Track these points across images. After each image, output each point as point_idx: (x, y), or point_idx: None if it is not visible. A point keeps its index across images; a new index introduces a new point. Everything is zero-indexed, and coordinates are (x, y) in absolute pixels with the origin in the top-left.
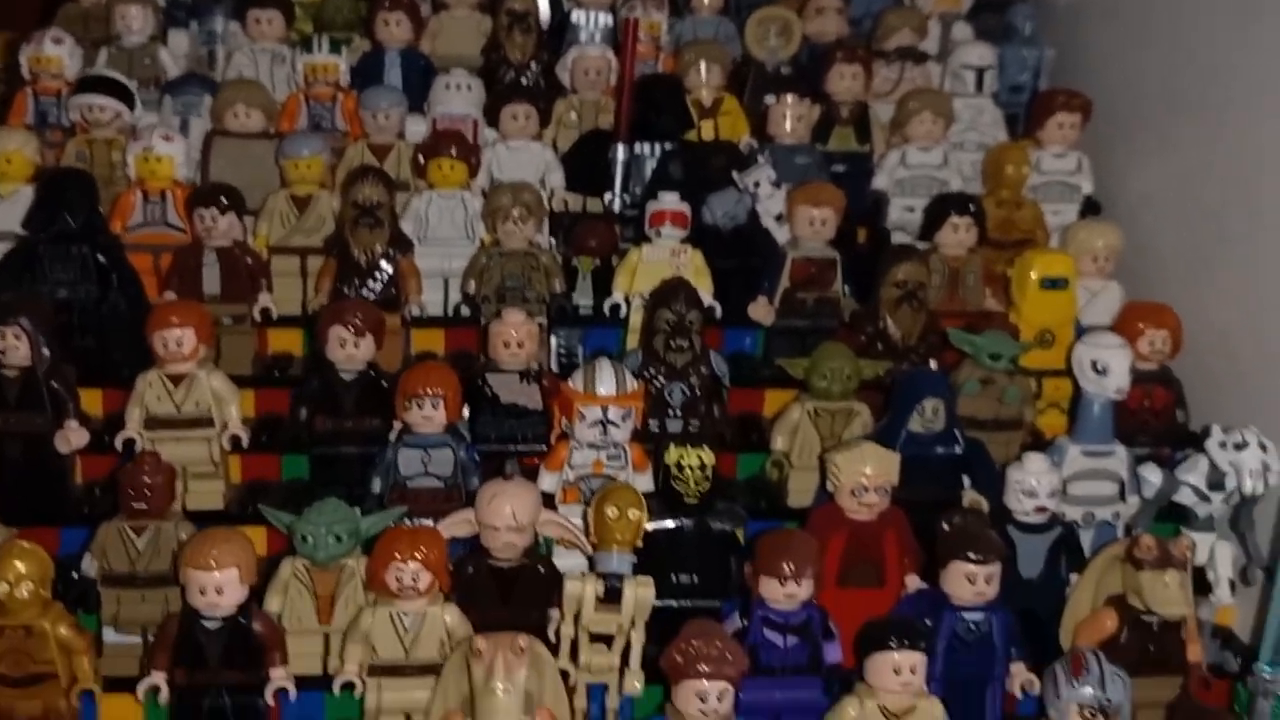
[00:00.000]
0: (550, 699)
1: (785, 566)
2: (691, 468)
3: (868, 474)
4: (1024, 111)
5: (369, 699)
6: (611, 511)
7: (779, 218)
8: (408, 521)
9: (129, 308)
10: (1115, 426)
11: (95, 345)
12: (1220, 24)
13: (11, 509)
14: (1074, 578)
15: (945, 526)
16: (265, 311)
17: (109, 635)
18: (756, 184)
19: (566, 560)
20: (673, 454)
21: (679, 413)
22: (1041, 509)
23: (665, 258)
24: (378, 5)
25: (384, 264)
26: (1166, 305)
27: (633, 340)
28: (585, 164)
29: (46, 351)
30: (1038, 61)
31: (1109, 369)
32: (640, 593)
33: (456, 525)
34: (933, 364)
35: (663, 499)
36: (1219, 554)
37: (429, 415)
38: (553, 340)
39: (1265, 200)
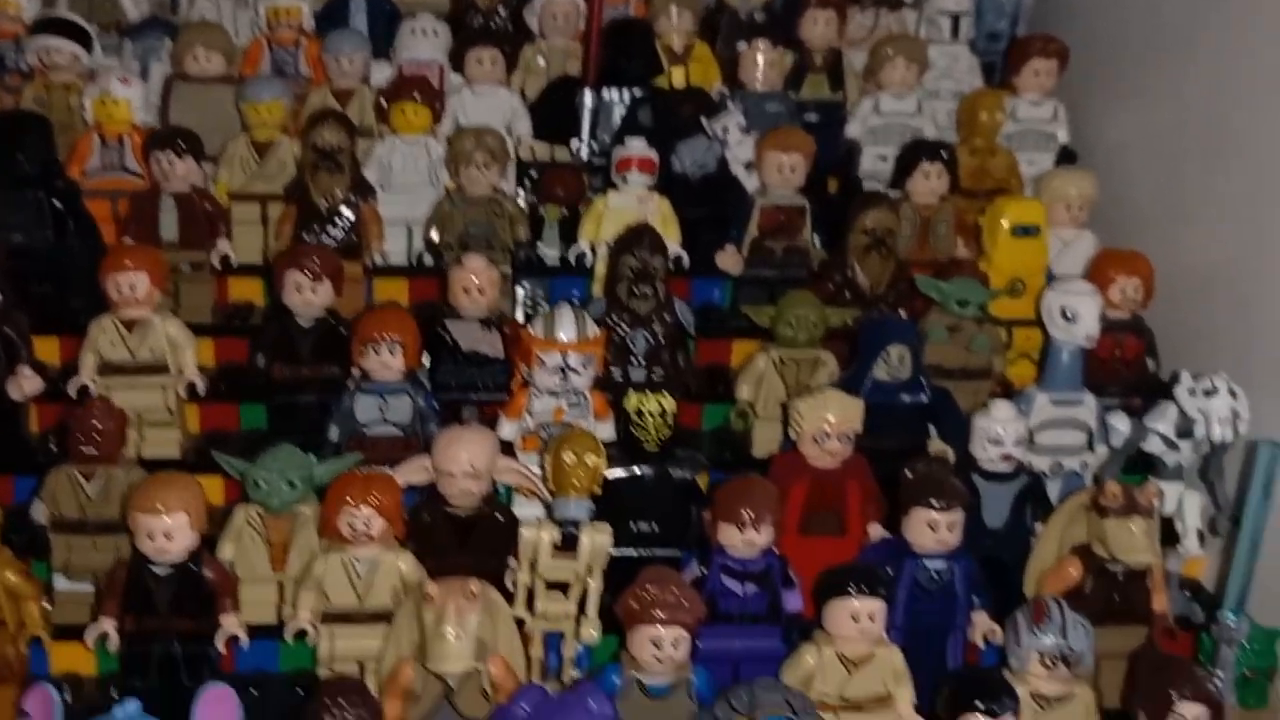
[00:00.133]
0: (504, 646)
1: (744, 513)
2: (651, 414)
3: (830, 420)
4: (1001, 60)
5: (322, 647)
6: (568, 457)
7: (748, 165)
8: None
9: (86, 254)
10: (1084, 375)
11: (52, 292)
12: None
13: None
14: (1040, 527)
15: (908, 473)
16: (225, 259)
17: (60, 583)
18: (725, 130)
19: (528, 510)
20: (632, 400)
21: (642, 361)
22: (1007, 457)
23: (632, 205)
24: None
25: (345, 210)
26: (1139, 252)
27: (599, 289)
28: (554, 111)
29: None
30: (1015, 8)
31: (1078, 316)
32: (597, 539)
33: (412, 472)
34: (901, 314)
35: (623, 447)
36: (1188, 504)
37: (386, 361)
38: (519, 291)
39: (1242, 147)
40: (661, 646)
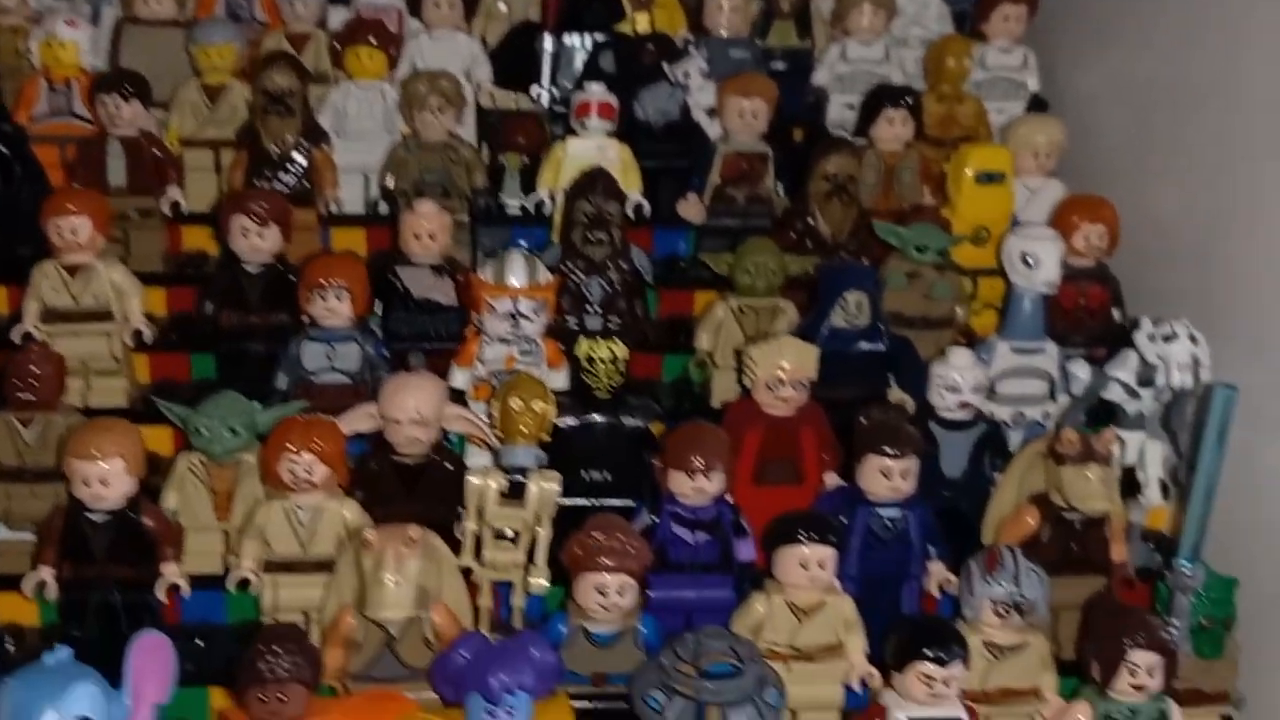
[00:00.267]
0: (449, 595)
1: (694, 460)
2: (602, 360)
3: (784, 367)
4: (971, 8)
5: (265, 596)
6: (515, 403)
7: (710, 111)
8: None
9: (33, 201)
10: (1046, 323)
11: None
12: None
13: None
14: (999, 477)
15: (862, 420)
16: (175, 205)
17: (0, 532)
18: (686, 75)
19: (482, 460)
20: (583, 347)
21: (598, 309)
22: (965, 405)
23: (592, 152)
24: None
25: (296, 155)
26: (1104, 199)
27: (557, 237)
28: (515, 58)
29: None
30: None
31: (1039, 261)
32: (544, 487)
33: (358, 419)
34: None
35: (575, 395)
36: (1149, 453)
37: (332, 307)
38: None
39: (1210, 98)
40: (606, 594)
